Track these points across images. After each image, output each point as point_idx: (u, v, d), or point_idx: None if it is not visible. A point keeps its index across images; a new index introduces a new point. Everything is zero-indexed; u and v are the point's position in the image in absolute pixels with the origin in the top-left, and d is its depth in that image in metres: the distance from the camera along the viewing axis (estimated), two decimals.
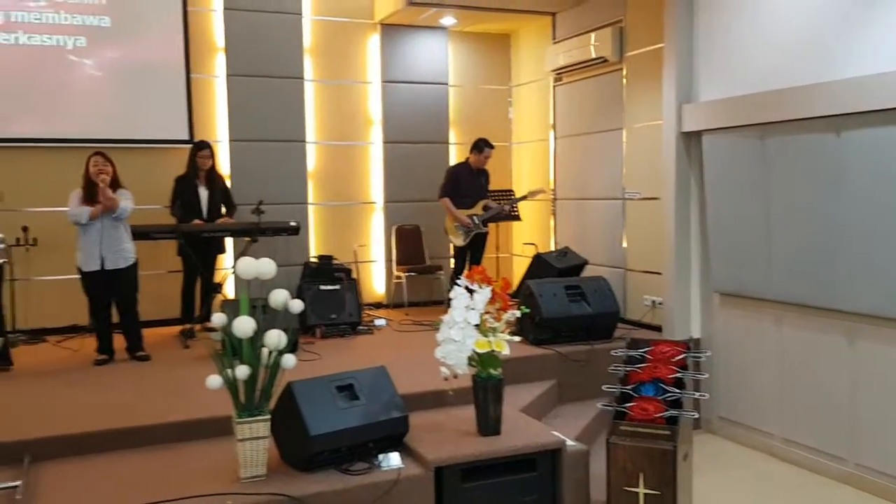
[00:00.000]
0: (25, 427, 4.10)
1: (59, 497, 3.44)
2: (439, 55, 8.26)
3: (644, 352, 4.35)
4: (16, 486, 3.40)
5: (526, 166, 8.58)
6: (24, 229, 6.45)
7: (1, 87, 6.64)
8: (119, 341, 5.77)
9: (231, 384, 3.46)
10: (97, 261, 5.48)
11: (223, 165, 7.27)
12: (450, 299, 3.87)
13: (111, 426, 4.11)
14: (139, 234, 5.91)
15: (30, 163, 6.62)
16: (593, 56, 7.04)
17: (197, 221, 6.50)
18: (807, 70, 4.74)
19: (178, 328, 6.64)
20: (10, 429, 4.07)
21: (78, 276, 5.61)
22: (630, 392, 4.03)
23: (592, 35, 7.08)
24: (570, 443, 4.01)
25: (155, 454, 3.96)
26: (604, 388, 4.24)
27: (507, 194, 7.92)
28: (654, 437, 3.74)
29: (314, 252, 7.68)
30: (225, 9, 7.34)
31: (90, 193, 5.46)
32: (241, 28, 7.38)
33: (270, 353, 3.51)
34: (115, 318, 5.78)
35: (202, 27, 7.33)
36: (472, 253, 7.22)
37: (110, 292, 5.64)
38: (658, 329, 6.24)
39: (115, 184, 5.51)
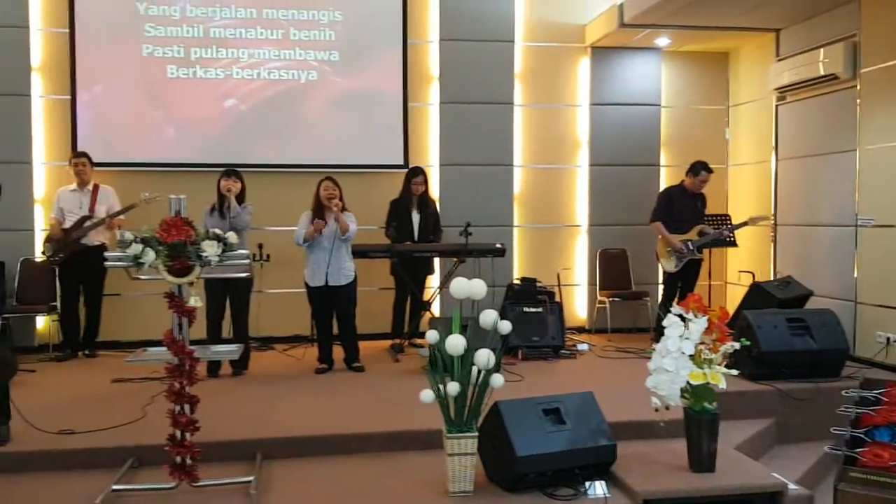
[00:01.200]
0: (257, 427, 4.49)
1: (287, 494, 3.73)
2: (651, 76, 8.07)
3: (879, 393, 3.97)
4: (250, 481, 3.72)
5: (743, 190, 8.13)
6: (260, 246, 7.09)
7: (246, 118, 7.40)
8: (337, 352, 6.17)
9: (442, 399, 3.57)
10: (322, 277, 5.91)
11: (434, 188, 7.57)
12: (660, 327, 3.75)
13: (331, 431, 4.40)
14: (358, 252, 6.31)
15: (266, 186, 7.25)
16: (822, 73, 6.56)
17: (407, 242, 6.82)
18: None
19: (388, 342, 6.98)
20: (244, 427, 4.47)
21: (304, 290, 6.10)
22: (862, 436, 3.69)
23: (821, 51, 6.61)
24: (791, 486, 3.73)
25: (369, 461, 4.18)
26: (832, 430, 3.90)
27: (722, 219, 7.55)
28: (889, 487, 3.40)
29: (518, 274, 7.76)
30: (441, 40, 7.68)
31: (319, 215, 5.91)
32: (455, 57, 7.68)
33: (479, 371, 3.59)
34: (335, 330, 6.18)
35: (419, 58, 7.72)
36: (684, 280, 6.93)
37: (332, 306, 6.05)
38: (893, 369, 5.64)
39: (342, 207, 5.92)
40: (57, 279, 6.64)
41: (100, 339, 6.77)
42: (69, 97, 7.07)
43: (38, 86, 7.07)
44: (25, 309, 6.74)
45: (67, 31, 7.04)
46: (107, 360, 6.47)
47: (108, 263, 3.51)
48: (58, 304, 6.75)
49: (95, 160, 6.81)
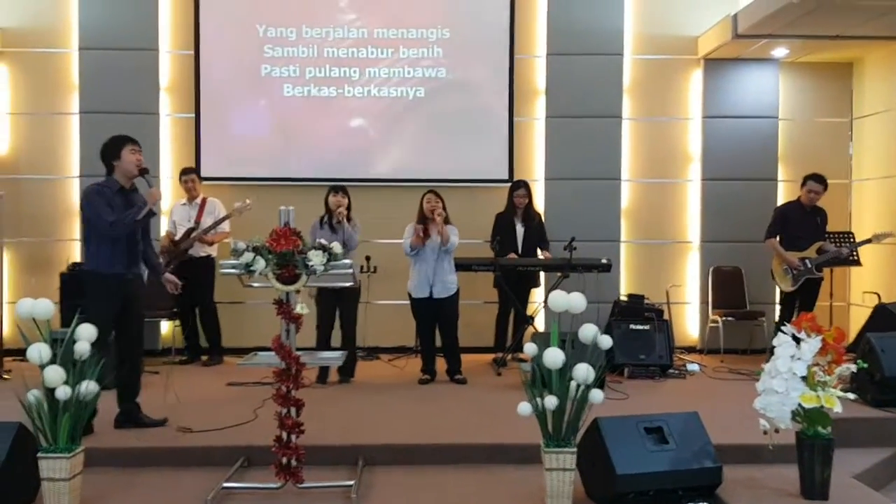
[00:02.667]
0: (360, 433, 4.61)
1: (386, 500, 3.80)
2: (768, 88, 7.76)
3: None
4: (350, 486, 3.81)
5: (868, 205, 7.68)
6: (367, 258, 7.27)
7: (356, 133, 7.62)
8: (440, 364, 6.24)
9: (540, 413, 3.55)
10: (426, 289, 6.01)
11: (539, 203, 7.54)
12: (773, 347, 3.60)
13: (432, 441, 4.45)
14: (461, 265, 6.38)
15: (373, 199, 7.43)
16: None
17: (512, 255, 6.82)
18: None
19: (491, 356, 7.00)
20: (348, 433, 4.60)
21: (408, 302, 6.21)
22: None
23: None
24: None
25: (468, 472, 4.20)
26: None
27: (844, 237, 7.15)
28: None
29: (625, 290, 7.60)
30: (548, 54, 7.67)
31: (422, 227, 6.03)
32: (562, 71, 7.64)
33: (578, 386, 3.55)
34: (438, 342, 6.26)
35: (526, 72, 7.73)
36: (802, 300, 6.60)
37: (434, 318, 6.14)
38: None
39: (445, 219, 6.01)
40: None
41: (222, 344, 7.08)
42: (193, 115, 7.50)
43: (166, 104, 7.55)
44: (151, 315, 7.15)
45: (193, 53, 7.49)
46: (224, 365, 6.78)
47: (222, 271, 3.71)
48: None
49: (216, 175, 7.21)
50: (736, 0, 7.43)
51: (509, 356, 6.85)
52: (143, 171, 4.66)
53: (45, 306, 3.59)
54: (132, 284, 4.67)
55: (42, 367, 3.49)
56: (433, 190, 6.19)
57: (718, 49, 7.37)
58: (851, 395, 3.53)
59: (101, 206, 4.49)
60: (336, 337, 6.17)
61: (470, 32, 7.62)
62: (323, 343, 6.07)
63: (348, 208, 6.13)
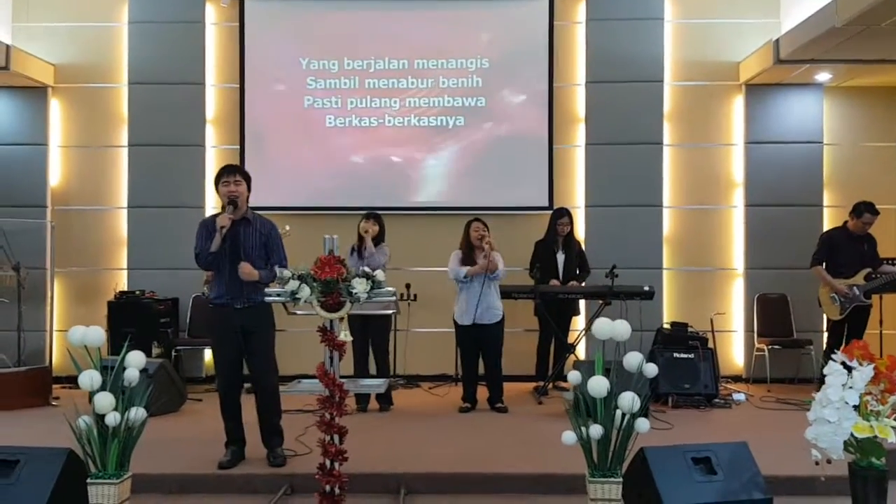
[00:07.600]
0: (402, 461, 4.59)
1: None
2: (812, 112, 7.68)
3: None
4: None
5: None
6: (407, 286, 7.31)
7: (396, 162, 7.71)
8: (481, 392, 6.20)
9: (585, 442, 3.51)
10: (472, 316, 6.00)
11: (580, 230, 7.52)
12: (822, 377, 3.51)
13: (474, 470, 4.42)
14: (502, 293, 6.34)
15: (413, 227, 7.51)
16: None
17: (554, 282, 6.79)
18: None
19: (532, 384, 6.94)
20: (389, 461, 4.58)
21: (449, 330, 6.20)
22: None
23: None
24: None
25: (510, 501, 4.16)
26: None
27: (894, 262, 6.98)
28: None
29: (667, 318, 7.51)
30: (587, 82, 7.70)
31: (469, 255, 6.04)
32: (602, 99, 7.65)
33: (624, 415, 3.50)
34: (480, 370, 6.23)
35: (566, 100, 7.76)
36: (850, 327, 6.46)
37: (479, 345, 6.12)
38: None
39: (490, 247, 6.02)
40: None
41: None
42: (238, 147, 7.66)
43: (212, 136, 7.74)
44: (195, 342, 7.29)
45: (238, 86, 7.67)
46: None
47: (268, 298, 3.74)
48: None
49: (260, 205, 7.27)
50: (778, 25, 7.43)
51: (550, 385, 6.79)
52: (230, 202, 4.55)
53: (97, 334, 3.66)
54: (242, 314, 4.52)
55: (92, 393, 3.55)
56: (479, 218, 6.20)
57: (760, 74, 7.32)
58: None
59: (198, 238, 4.60)
60: (372, 364, 6.21)
61: (509, 62, 7.69)
62: (361, 371, 6.09)
63: (381, 235, 6.16)
